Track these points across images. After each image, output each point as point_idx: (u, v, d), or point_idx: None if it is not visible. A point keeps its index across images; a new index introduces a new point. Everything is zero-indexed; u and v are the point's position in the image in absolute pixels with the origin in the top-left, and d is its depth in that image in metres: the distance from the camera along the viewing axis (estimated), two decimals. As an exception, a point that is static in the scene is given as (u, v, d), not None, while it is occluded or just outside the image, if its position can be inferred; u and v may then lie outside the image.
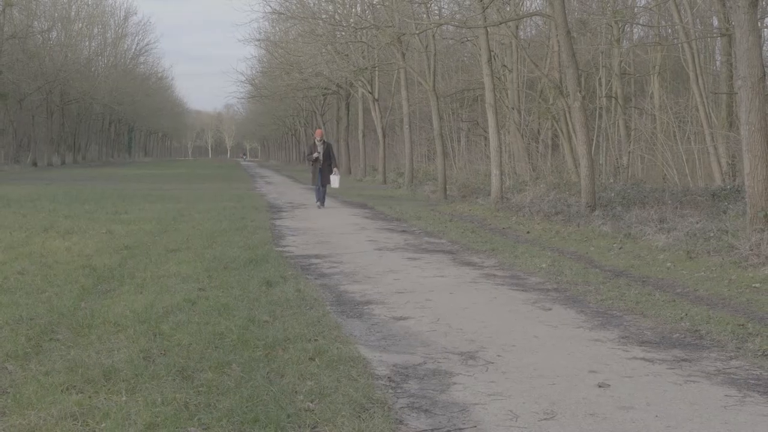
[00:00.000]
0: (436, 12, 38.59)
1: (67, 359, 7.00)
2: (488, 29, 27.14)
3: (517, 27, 32.81)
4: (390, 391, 6.47)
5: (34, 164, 69.28)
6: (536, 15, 31.94)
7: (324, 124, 62.83)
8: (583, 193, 20.73)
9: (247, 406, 5.86)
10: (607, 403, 6.15)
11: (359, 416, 5.76)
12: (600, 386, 6.59)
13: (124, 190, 34.60)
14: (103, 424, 5.50)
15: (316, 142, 26.82)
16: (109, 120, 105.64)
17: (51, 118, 77.26)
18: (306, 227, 19.84)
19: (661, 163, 29.40)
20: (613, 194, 22.51)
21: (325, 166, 26.21)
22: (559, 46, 24.98)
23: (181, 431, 5.48)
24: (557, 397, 6.32)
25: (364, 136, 51.92)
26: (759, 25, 23.38)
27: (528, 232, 18.54)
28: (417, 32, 30.98)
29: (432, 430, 5.64)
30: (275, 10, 47.75)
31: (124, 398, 6.02)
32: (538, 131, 36.82)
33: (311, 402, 6.05)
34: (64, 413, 5.65)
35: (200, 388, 6.29)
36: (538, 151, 36.33)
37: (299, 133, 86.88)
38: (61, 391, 6.13)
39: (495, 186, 26.49)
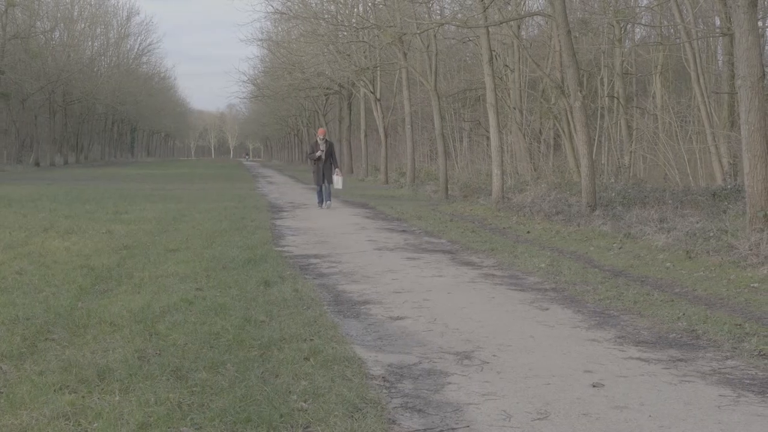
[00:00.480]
0: (438, 12, 38.66)
1: (62, 359, 6.99)
2: (490, 29, 27.12)
3: (519, 27, 32.80)
4: (384, 391, 6.46)
5: (37, 164, 69.32)
6: (537, 15, 31.96)
7: (326, 123, 62.80)
8: (584, 193, 20.72)
9: (240, 406, 5.85)
10: (601, 403, 6.14)
11: (352, 416, 5.75)
12: (594, 386, 6.57)
13: (126, 190, 34.60)
14: (95, 424, 5.49)
15: (319, 141, 26.35)
16: (111, 120, 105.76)
17: (54, 118, 77.33)
18: (306, 227, 19.83)
19: (663, 163, 29.38)
20: (613, 194, 22.47)
21: (327, 165, 25.88)
22: (560, 45, 24.95)
23: (173, 431, 5.47)
24: (551, 396, 6.31)
25: (366, 136, 51.95)
26: (761, 24, 23.39)
27: (528, 232, 18.52)
28: (418, 32, 30.98)
29: (425, 430, 5.63)
30: (277, 10, 47.82)
31: (117, 398, 6.01)
32: (540, 131, 36.81)
33: (305, 402, 6.03)
34: (56, 413, 5.65)
35: (194, 388, 6.28)
36: (539, 151, 36.31)
37: (302, 133, 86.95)
38: (54, 390, 6.13)
39: (496, 186, 26.49)
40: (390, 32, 33.72)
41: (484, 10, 25.07)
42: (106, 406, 5.80)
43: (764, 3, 26.45)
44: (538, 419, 5.80)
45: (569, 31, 21.28)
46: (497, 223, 20.77)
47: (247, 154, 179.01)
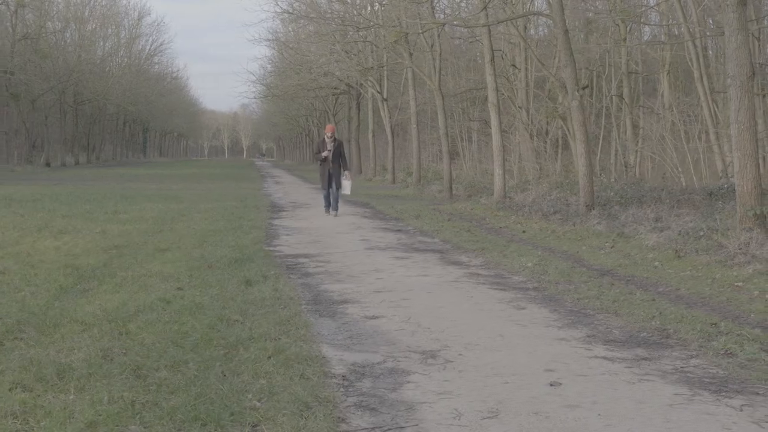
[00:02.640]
0: (447, 11, 38.69)
1: (25, 358, 7.01)
2: (496, 29, 27.14)
3: (525, 27, 32.83)
4: (341, 389, 6.47)
5: (48, 164, 69.55)
6: (534, 14, 31.90)
7: (336, 123, 62.91)
8: (582, 192, 20.71)
9: (192, 405, 5.86)
10: (554, 402, 6.14)
11: (302, 414, 5.76)
12: (551, 385, 6.57)
13: (131, 189, 34.73)
14: (43, 423, 5.50)
15: (326, 139, 23.32)
16: (123, 120, 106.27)
17: (64, 119, 77.67)
18: (302, 227, 19.86)
19: (668, 162, 29.31)
20: (612, 193, 22.46)
21: (335, 167, 22.89)
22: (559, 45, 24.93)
23: (121, 429, 5.49)
24: (506, 395, 6.31)
25: (374, 135, 52.00)
26: (756, 24, 23.31)
27: (524, 232, 18.53)
28: (421, 32, 31.03)
29: (372, 428, 5.64)
30: (285, 10, 47.90)
31: (71, 397, 6.03)
32: (547, 131, 36.76)
33: (258, 401, 6.05)
34: (5, 412, 5.66)
35: (150, 387, 6.30)
36: (545, 151, 36.27)
37: (312, 133, 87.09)
38: (9, 389, 6.15)
39: (498, 185, 26.59)
40: (394, 32, 33.75)
41: (484, 9, 25.07)
42: (58, 405, 5.83)
43: (759, 3, 26.42)
44: (488, 418, 5.80)
45: (567, 31, 21.29)
46: (495, 223, 20.78)
47: (262, 154, 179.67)
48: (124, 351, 7.36)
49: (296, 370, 6.83)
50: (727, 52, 14.62)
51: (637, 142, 32.42)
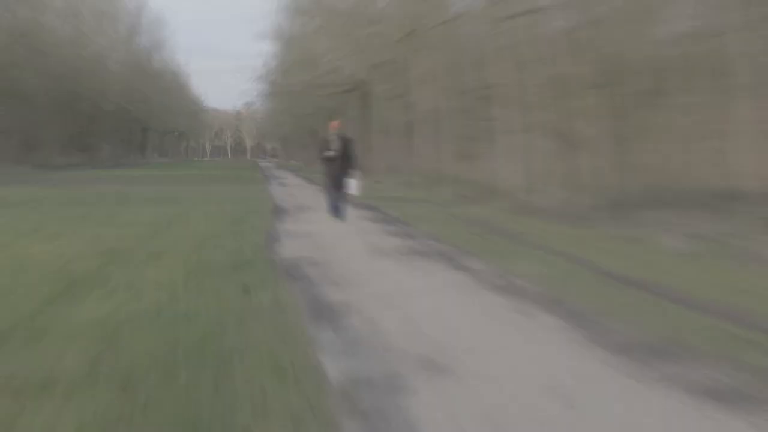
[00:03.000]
0: (459, 6, 38.79)
1: (7, 369, 7.09)
2: (511, 24, 27.19)
3: (539, 22, 32.83)
4: (335, 398, 6.55)
5: (43, 165, 69.77)
6: (549, 9, 31.85)
7: (344, 122, 62.88)
8: (598, 195, 20.77)
9: (181, 416, 5.95)
10: (555, 410, 6.22)
11: (294, 425, 5.85)
12: (551, 391, 6.65)
13: (128, 192, 34.83)
14: (25, 434, 5.63)
15: (332, 137, 21.50)
16: (122, 119, 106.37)
17: (60, 118, 77.89)
18: (305, 231, 19.88)
19: (691, 163, 29.25)
20: (629, 196, 22.49)
21: (342, 167, 21.08)
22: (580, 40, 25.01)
23: (105, 441, 5.60)
24: (504, 402, 6.39)
25: (384, 135, 52.01)
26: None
27: (536, 235, 18.56)
28: (431, 27, 31.14)
29: (366, 438, 5.74)
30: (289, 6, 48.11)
31: (53, 409, 6.11)
32: (563, 131, 36.73)
33: (250, 410, 6.13)
34: (-18, 426, 5.79)
35: (137, 399, 6.39)
36: (562, 152, 36.23)
37: (319, 133, 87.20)
38: (-8, 399, 6.27)
39: (512, 187, 26.67)
40: (404, 27, 33.87)
41: (496, 3, 25.14)
42: (39, 418, 5.92)
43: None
44: (486, 425, 5.88)
45: (585, 25, 21.32)
46: (508, 226, 20.80)
47: (273, 156, 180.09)
48: (112, 360, 7.45)
49: (291, 378, 6.92)
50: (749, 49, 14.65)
51: (658, 142, 32.40)
